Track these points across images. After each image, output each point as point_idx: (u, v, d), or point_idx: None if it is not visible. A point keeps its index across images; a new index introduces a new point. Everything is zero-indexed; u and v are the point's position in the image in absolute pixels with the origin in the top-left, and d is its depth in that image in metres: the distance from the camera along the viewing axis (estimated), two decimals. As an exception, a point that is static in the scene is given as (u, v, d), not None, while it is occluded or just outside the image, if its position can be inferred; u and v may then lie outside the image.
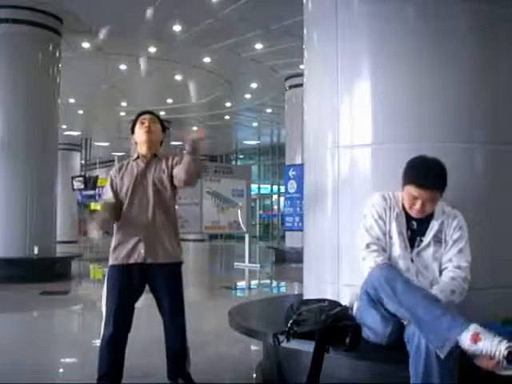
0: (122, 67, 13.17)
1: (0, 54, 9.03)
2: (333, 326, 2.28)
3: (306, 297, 3.15)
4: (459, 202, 2.53)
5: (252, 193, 15.92)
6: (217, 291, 8.45)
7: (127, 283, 2.85)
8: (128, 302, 2.85)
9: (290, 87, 13.83)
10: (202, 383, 2.99)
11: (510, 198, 2.87)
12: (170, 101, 16.78)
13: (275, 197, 26.69)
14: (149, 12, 8.94)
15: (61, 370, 3.96)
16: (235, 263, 12.36)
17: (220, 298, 7.64)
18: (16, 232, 8.86)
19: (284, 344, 2.38)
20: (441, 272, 2.41)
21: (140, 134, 3.00)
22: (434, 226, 2.41)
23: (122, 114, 17.85)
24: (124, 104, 17.12)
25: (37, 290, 7.44)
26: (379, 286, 2.20)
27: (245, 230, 12.02)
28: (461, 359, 2.00)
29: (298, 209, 13.15)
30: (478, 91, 2.85)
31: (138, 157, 3.01)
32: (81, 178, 18.89)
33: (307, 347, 2.30)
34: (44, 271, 8.65)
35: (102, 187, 2.86)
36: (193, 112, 18.24)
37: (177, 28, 10.39)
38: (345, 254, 2.93)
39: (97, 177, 19.54)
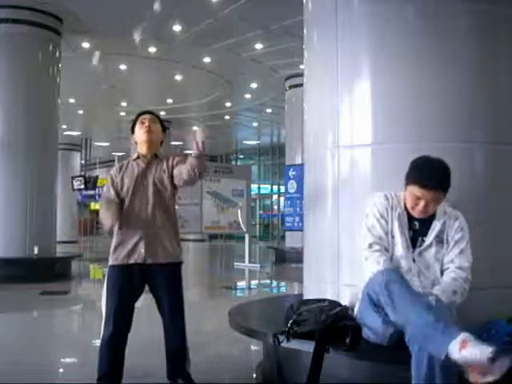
0: (122, 67, 13.17)
1: (0, 53, 9.03)
2: (333, 325, 2.28)
3: (306, 297, 3.15)
4: (459, 203, 2.53)
5: (252, 193, 15.92)
6: (217, 291, 8.45)
7: (127, 283, 2.85)
8: (128, 302, 2.85)
9: (290, 87, 13.83)
10: (202, 383, 2.99)
11: (510, 198, 2.87)
12: (169, 101, 16.78)
13: (275, 197, 26.68)
14: (156, 4, 8.92)
15: (61, 370, 3.96)
16: (235, 263, 12.36)
17: (220, 297, 7.64)
18: (16, 232, 8.85)
19: (284, 344, 2.38)
20: (442, 272, 2.41)
21: (140, 134, 3.00)
22: (435, 227, 2.41)
23: (122, 113, 17.85)
24: (124, 104, 17.12)
25: (37, 290, 7.43)
26: (380, 292, 2.20)
27: (245, 229, 12.02)
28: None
29: (298, 209, 13.14)
30: (478, 91, 2.84)
31: (138, 157, 3.01)
32: (81, 178, 18.87)
33: (307, 347, 2.30)
34: (44, 271, 8.65)
35: (102, 187, 2.85)
36: (193, 112, 18.24)
37: (177, 28, 10.39)
38: (345, 253, 2.93)
39: (97, 177, 19.52)
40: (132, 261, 2.85)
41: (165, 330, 2.91)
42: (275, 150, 24.37)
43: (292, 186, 13.61)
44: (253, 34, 10.65)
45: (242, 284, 9.77)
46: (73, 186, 18.80)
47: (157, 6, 9.00)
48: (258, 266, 12.00)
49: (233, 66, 12.87)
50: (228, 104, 17.22)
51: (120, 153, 24.30)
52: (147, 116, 3.04)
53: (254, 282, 9.96)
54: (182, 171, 2.80)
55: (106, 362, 2.79)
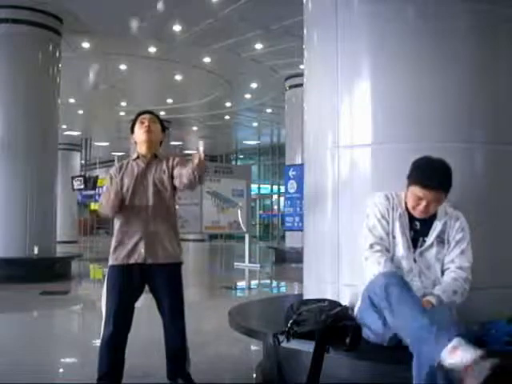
0: (122, 67, 13.17)
1: (0, 53, 9.03)
2: (333, 326, 2.28)
3: (306, 297, 3.15)
4: (459, 203, 2.53)
5: (252, 193, 15.92)
6: (217, 291, 8.45)
7: (127, 283, 2.85)
8: (128, 302, 2.85)
9: (290, 87, 13.83)
10: (202, 383, 2.99)
11: (510, 198, 2.87)
12: (170, 101, 16.78)
13: (275, 197, 26.68)
14: (157, 4, 8.91)
15: (61, 370, 3.96)
16: (235, 263, 12.36)
17: (220, 297, 7.63)
18: (16, 232, 8.85)
19: (284, 344, 2.38)
20: (443, 272, 2.41)
21: (140, 134, 2.99)
22: (437, 227, 2.42)
23: (122, 113, 17.85)
24: (124, 104, 17.12)
25: (37, 290, 7.43)
26: (380, 294, 2.20)
27: (245, 229, 12.02)
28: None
29: (298, 209, 13.14)
30: (478, 91, 2.85)
31: (137, 157, 3.00)
32: (81, 178, 18.87)
33: (307, 347, 2.30)
34: (44, 271, 8.64)
35: (102, 187, 2.85)
36: (193, 112, 18.25)
37: (177, 28, 10.39)
38: (345, 253, 2.93)
39: (97, 177, 19.53)
40: (132, 261, 2.85)
41: (165, 330, 2.91)
42: (275, 149, 24.37)
43: (292, 186, 13.61)
44: (253, 33, 10.65)
45: (241, 284, 9.77)
46: (73, 185, 18.79)
47: (157, 6, 9.00)
48: (258, 266, 12.00)
49: (233, 65, 12.87)
50: (228, 104, 17.22)
51: (120, 153, 24.28)
52: (147, 116, 3.04)
53: (253, 282, 9.96)
54: (182, 174, 2.79)
55: (106, 362, 2.79)
